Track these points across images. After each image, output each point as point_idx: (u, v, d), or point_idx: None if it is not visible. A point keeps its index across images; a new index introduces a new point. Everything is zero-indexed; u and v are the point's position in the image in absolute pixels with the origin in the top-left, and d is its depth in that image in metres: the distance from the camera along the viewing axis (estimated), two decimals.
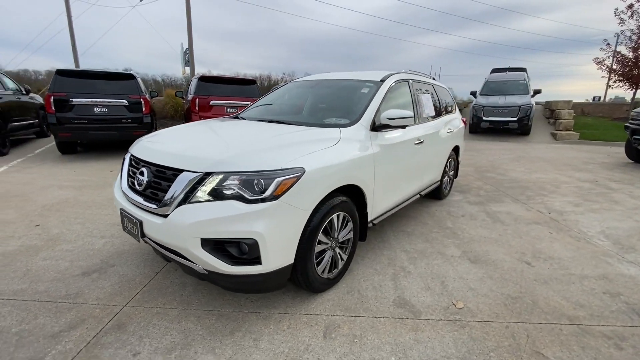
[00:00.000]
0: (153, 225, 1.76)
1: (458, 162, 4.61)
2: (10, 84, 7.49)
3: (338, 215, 2.11)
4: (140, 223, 1.82)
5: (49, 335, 1.73)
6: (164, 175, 1.83)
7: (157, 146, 2.07)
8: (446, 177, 4.24)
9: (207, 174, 1.67)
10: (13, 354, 1.59)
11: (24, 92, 7.85)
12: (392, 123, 2.47)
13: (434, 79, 4.21)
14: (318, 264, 2.05)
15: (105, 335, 1.73)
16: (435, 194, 4.13)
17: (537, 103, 12.80)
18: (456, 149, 4.39)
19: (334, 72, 3.51)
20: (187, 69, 16.04)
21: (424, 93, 3.51)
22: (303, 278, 1.94)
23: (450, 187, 4.50)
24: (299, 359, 1.61)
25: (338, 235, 2.17)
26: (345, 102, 2.81)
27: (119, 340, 1.70)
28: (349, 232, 2.28)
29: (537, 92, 11.06)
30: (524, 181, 5.37)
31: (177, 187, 1.71)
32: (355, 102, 2.66)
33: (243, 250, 1.66)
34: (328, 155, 1.99)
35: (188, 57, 15.65)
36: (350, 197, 2.25)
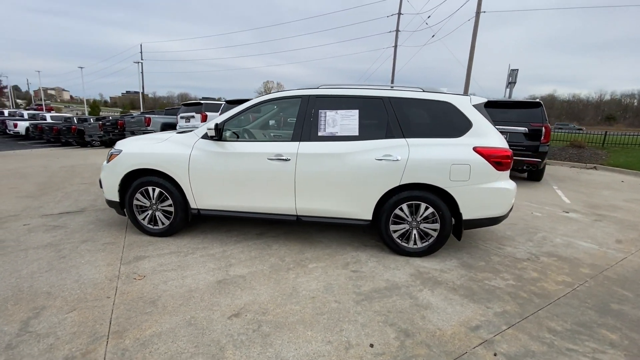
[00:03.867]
0: None
1: (460, 217, 2.88)
2: None
3: (154, 189, 3.25)
4: None
5: (81, 210, 4.51)
6: None
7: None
8: (408, 226, 2.98)
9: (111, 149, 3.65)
10: (67, 205, 4.50)
11: None
12: (208, 133, 3.04)
13: (422, 90, 3.07)
14: (142, 211, 3.34)
15: (75, 212, 4.24)
16: (384, 240, 3.08)
17: None
18: (443, 194, 2.89)
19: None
20: (507, 90, 14.92)
21: (335, 110, 3.03)
22: (128, 216, 3.38)
23: (430, 245, 2.96)
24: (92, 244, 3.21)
25: (157, 204, 3.28)
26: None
27: (75, 217, 4.13)
28: (170, 206, 3.27)
29: None
30: None
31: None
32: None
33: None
34: (149, 147, 3.24)
35: (513, 79, 14.93)
36: (175, 183, 3.24)
